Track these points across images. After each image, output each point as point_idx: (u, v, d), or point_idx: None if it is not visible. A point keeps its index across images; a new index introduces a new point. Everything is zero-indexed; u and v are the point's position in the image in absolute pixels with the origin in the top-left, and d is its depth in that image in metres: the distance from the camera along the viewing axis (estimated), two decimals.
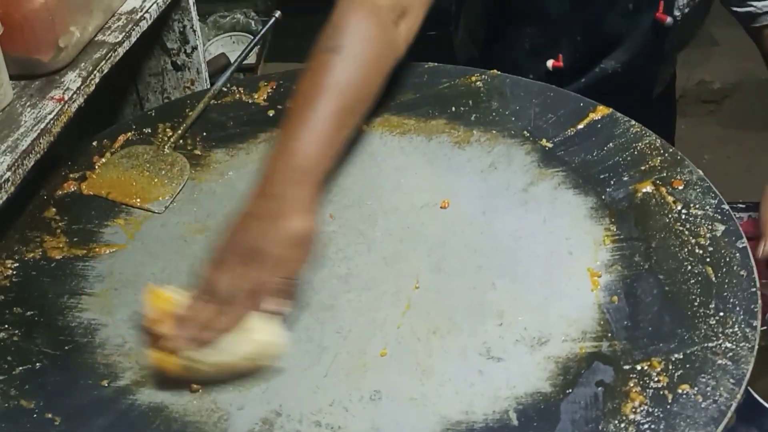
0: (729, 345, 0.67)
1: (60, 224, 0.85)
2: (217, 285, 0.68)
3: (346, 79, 0.78)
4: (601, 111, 0.93)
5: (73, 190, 0.89)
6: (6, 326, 0.74)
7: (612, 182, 0.85)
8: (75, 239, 0.83)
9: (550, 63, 1.08)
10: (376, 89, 0.82)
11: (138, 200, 0.87)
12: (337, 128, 0.77)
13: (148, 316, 0.69)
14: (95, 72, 0.84)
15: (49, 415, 0.66)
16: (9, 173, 0.70)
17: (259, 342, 0.68)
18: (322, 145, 0.75)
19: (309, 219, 0.72)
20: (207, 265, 0.71)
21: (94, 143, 0.95)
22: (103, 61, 0.85)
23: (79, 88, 0.81)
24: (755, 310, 0.70)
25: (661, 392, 0.65)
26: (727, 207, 0.80)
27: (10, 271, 0.79)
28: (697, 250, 0.76)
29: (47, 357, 0.71)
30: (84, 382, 0.69)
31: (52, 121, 0.77)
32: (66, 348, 0.72)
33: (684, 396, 0.64)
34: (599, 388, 0.66)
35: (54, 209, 0.87)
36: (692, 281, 0.73)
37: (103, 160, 0.92)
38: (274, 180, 0.73)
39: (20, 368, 0.70)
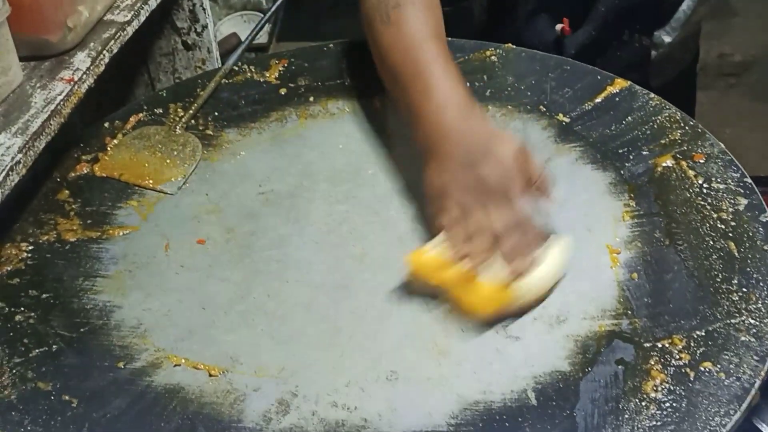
0: (752, 321, 0.66)
1: (73, 206, 0.85)
2: (494, 224, 0.70)
3: (433, 23, 0.83)
4: (619, 84, 0.91)
5: (85, 172, 0.89)
6: (22, 309, 0.74)
7: (631, 157, 0.83)
8: (89, 221, 0.83)
9: (558, 27, 1.06)
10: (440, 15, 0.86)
11: (150, 181, 0.87)
12: (453, 63, 0.81)
13: (434, 276, 0.70)
14: (105, 52, 0.83)
15: (66, 397, 0.66)
16: (20, 155, 0.70)
17: (560, 251, 0.71)
18: (457, 80, 0.79)
19: (504, 135, 0.75)
20: (449, 219, 0.72)
21: (106, 125, 0.94)
22: (113, 41, 0.85)
23: (88, 69, 0.81)
24: None
25: (683, 370, 0.63)
26: (749, 180, 0.78)
27: (25, 254, 0.79)
28: (719, 225, 0.74)
29: (63, 339, 0.71)
30: (100, 364, 0.69)
31: (62, 102, 0.76)
32: (82, 330, 0.72)
33: (706, 374, 0.63)
34: (619, 367, 0.65)
35: (67, 191, 0.86)
36: (714, 257, 0.72)
37: (115, 141, 0.92)
38: (450, 125, 0.75)
39: (37, 351, 0.70)
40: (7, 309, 0.74)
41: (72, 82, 0.79)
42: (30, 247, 0.80)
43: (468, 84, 0.81)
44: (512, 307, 0.69)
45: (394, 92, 0.84)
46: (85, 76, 0.80)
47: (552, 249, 0.71)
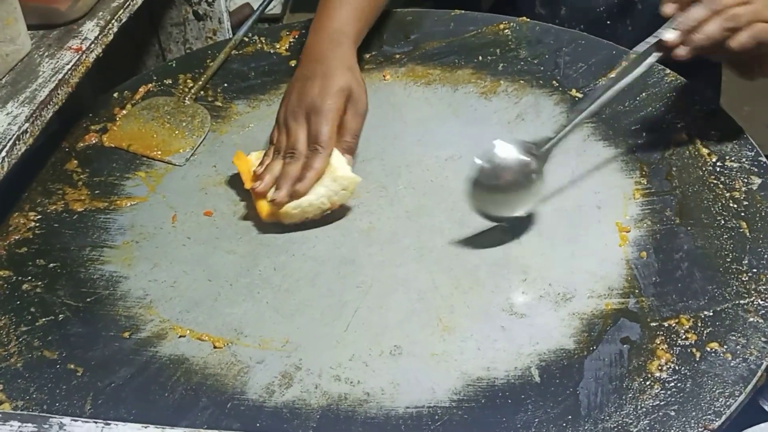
0: (761, 302, 0.65)
1: (82, 177, 0.85)
2: (294, 143, 0.78)
3: None
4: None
5: (94, 142, 0.89)
6: (29, 278, 0.74)
7: (644, 134, 0.82)
8: (96, 192, 0.83)
9: None
10: None
11: (159, 152, 0.87)
12: (365, 5, 0.88)
13: (244, 177, 0.79)
14: (113, 21, 0.83)
15: (72, 366, 0.67)
16: (27, 124, 0.70)
17: (342, 177, 0.76)
18: (354, 11, 0.86)
19: (351, 74, 0.81)
20: (276, 127, 0.81)
21: (115, 95, 0.94)
22: (122, 10, 0.84)
23: (97, 38, 0.80)
24: None
25: (689, 350, 0.63)
26: (764, 159, 0.77)
27: (33, 223, 0.80)
28: (731, 204, 0.73)
29: (70, 309, 0.72)
30: (106, 334, 0.69)
31: (70, 72, 0.76)
32: (88, 300, 0.72)
33: (713, 354, 0.62)
34: (625, 345, 0.64)
35: (75, 161, 0.86)
36: (725, 236, 0.71)
37: (124, 112, 0.92)
38: (317, 44, 0.84)
39: (43, 320, 0.71)
40: (14, 278, 0.74)
41: (80, 52, 0.78)
42: (38, 217, 0.80)
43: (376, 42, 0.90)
44: (289, 218, 0.76)
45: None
46: (93, 45, 0.80)
47: (337, 172, 0.77)
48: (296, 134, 0.78)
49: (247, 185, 0.79)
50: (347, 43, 0.84)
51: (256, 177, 0.78)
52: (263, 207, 0.76)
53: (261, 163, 0.79)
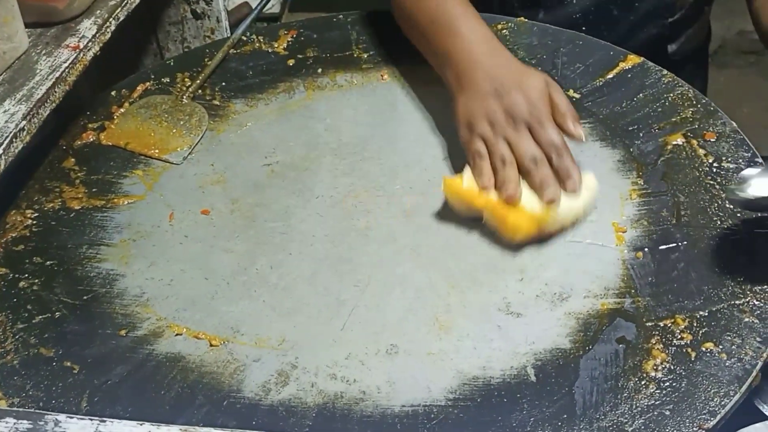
0: (757, 303, 0.65)
1: (79, 174, 0.85)
2: (526, 151, 0.73)
3: None
4: (632, 60, 0.90)
5: (91, 140, 0.89)
6: (26, 276, 0.74)
7: (641, 134, 0.82)
8: (94, 190, 0.83)
9: None
10: None
11: (156, 151, 0.87)
12: (475, 12, 0.84)
13: (475, 199, 0.73)
14: (111, 19, 0.82)
15: (68, 364, 0.67)
16: (24, 122, 0.70)
17: (590, 184, 0.73)
18: (481, 21, 0.83)
19: (534, 69, 0.78)
20: (480, 143, 0.75)
21: (113, 93, 0.94)
22: (119, 9, 0.84)
23: (94, 36, 0.80)
24: None
25: (685, 350, 0.63)
26: (760, 160, 0.77)
27: (30, 221, 0.80)
28: (727, 205, 0.73)
29: (66, 306, 0.72)
30: (102, 332, 0.69)
31: (67, 70, 0.76)
32: (85, 298, 0.72)
33: (708, 354, 0.62)
34: (620, 345, 0.64)
35: (73, 159, 0.87)
36: (721, 237, 0.71)
37: (122, 110, 0.92)
38: (479, 56, 0.79)
39: (40, 317, 0.71)
40: (11, 275, 0.74)
41: (78, 50, 0.78)
42: (35, 215, 0.80)
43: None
44: (550, 229, 0.72)
45: (423, 43, 0.87)
46: (91, 43, 0.80)
47: (584, 178, 0.73)
48: (525, 143, 0.73)
49: (479, 203, 0.73)
50: (502, 47, 0.81)
51: (489, 189, 0.72)
52: (522, 220, 0.70)
53: (481, 178, 0.73)
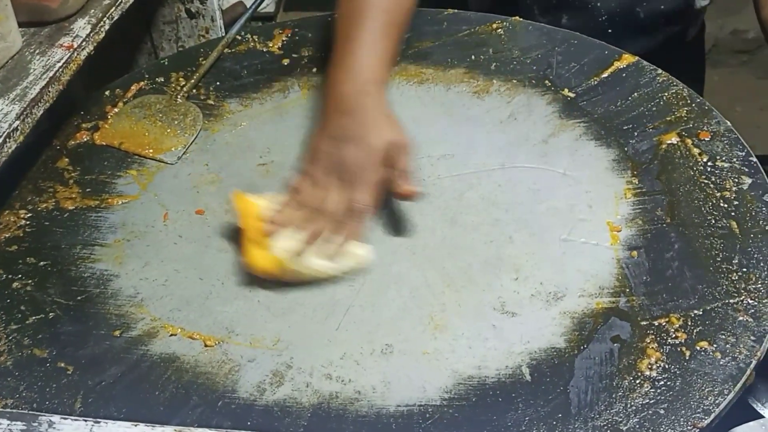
0: (751, 302, 0.65)
1: (73, 174, 0.84)
2: (325, 204, 0.73)
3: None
4: (627, 59, 0.90)
5: (85, 140, 0.89)
6: (19, 276, 0.74)
7: (635, 133, 0.82)
8: (88, 190, 0.83)
9: None
10: (412, 7, 0.85)
11: (150, 151, 0.87)
12: (388, 42, 0.80)
13: (243, 220, 0.72)
14: (105, 19, 0.82)
15: (62, 364, 0.67)
16: (18, 122, 0.70)
17: (358, 256, 0.72)
18: (379, 57, 0.78)
19: (387, 126, 0.75)
20: (303, 179, 0.75)
21: (107, 93, 0.94)
22: (113, 8, 0.84)
23: (88, 36, 0.80)
24: None
25: (679, 349, 0.63)
26: (755, 159, 0.77)
27: (24, 222, 0.79)
28: (721, 204, 0.74)
29: (60, 307, 0.71)
30: (96, 333, 0.69)
31: (61, 69, 0.75)
32: (79, 298, 0.72)
33: (702, 353, 0.62)
34: (615, 344, 0.64)
35: (67, 159, 0.86)
36: (715, 236, 0.71)
37: (116, 110, 0.91)
38: (345, 96, 0.76)
39: (33, 318, 0.70)
40: (4, 276, 0.74)
41: (71, 49, 0.78)
42: (28, 215, 0.80)
43: (392, 68, 0.81)
44: (283, 276, 0.71)
45: (333, 34, 0.84)
46: (84, 43, 0.79)
47: (352, 250, 0.72)
48: (330, 195, 0.73)
49: (244, 226, 0.73)
50: (378, 90, 0.77)
51: (272, 222, 0.72)
52: (260, 257, 0.70)
53: (279, 211, 0.73)
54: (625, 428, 0.59)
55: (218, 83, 0.94)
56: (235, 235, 0.75)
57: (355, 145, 0.74)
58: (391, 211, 0.77)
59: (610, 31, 1.00)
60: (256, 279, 0.72)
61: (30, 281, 0.74)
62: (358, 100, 0.75)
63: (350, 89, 0.76)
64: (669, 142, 0.80)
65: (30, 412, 0.61)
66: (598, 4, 1.01)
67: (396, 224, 0.76)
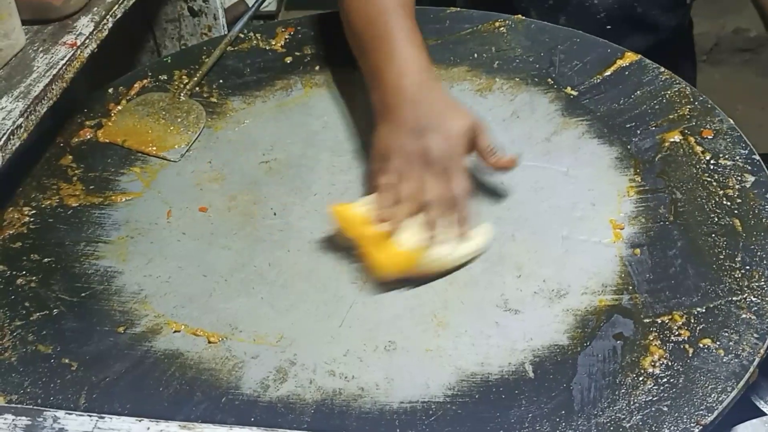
0: (754, 299, 0.66)
1: (76, 172, 0.85)
2: (426, 194, 0.71)
3: None
4: (629, 57, 0.90)
5: (89, 137, 0.89)
6: (24, 273, 0.74)
7: (638, 131, 0.82)
8: (91, 187, 0.83)
9: None
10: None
11: (154, 148, 0.87)
12: (419, 35, 0.80)
13: (352, 230, 0.71)
14: (108, 17, 0.82)
15: (66, 361, 0.67)
16: (21, 119, 0.70)
17: (479, 238, 0.71)
18: (420, 48, 0.78)
19: (460, 109, 0.75)
20: (387, 175, 0.73)
21: (110, 90, 0.94)
22: (117, 6, 0.84)
23: (92, 33, 0.80)
24: None
25: (682, 346, 0.63)
26: (758, 157, 0.77)
27: (27, 218, 0.80)
28: (724, 202, 0.74)
29: (64, 303, 0.72)
30: (100, 329, 0.69)
31: (64, 67, 0.76)
32: (83, 295, 0.72)
33: (705, 350, 0.63)
34: (618, 342, 0.64)
35: (70, 157, 0.86)
36: (718, 234, 0.71)
37: (119, 107, 0.91)
38: (408, 88, 0.75)
39: (38, 314, 0.71)
40: (8, 272, 0.74)
41: (75, 47, 0.78)
42: (32, 212, 0.80)
43: (430, 56, 0.79)
44: (415, 272, 0.70)
45: (359, 59, 0.84)
46: (88, 40, 0.80)
47: (473, 232, 0.72)
48: (429, 185, 0.72)
49: (357, 235, 0.71)
50: (436, 80, 0.78)
51: (385, 220, 0.70)
52: (389, 258, 0.69)
53: (384, 210, 0.71)
54: (628, 425, 0.59)
55: (221, 81, 0.94)
56: (240, 229, 0.76)
57: (437, 133, 0.73)
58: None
59: (608, 27, 1.00)
60: (257, 276, 0.72)
61: (34, 278, 0.74)
62: (423, 91, 0.75)
63: (411, 82, 0.75)
64: (672, 140, 0.80)
65: (34, 407, 0.61)
66: (596, 2, 1.01)
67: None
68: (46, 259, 0.76)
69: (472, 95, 0.89)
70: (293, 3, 2.04)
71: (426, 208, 0.71)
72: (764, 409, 0.72)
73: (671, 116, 0.83)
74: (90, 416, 0.53)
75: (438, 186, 0.72)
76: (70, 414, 0.54)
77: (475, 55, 0.93)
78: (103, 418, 0.53)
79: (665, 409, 0.59)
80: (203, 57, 0.97)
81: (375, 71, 0.79)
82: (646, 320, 0.66)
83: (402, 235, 0.70)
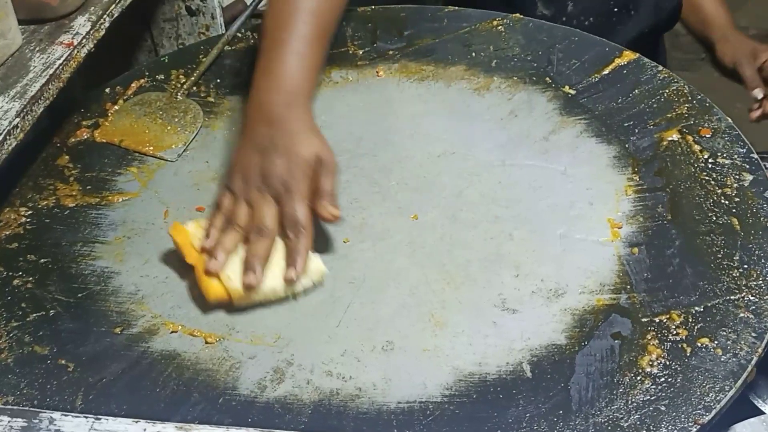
0: (752, 298, 0.65)
1: (73, 172, 0.84)
2: (260, 220, 0.70)
3: (318, 2, 0.79)
4: (627, 56, 0.90)
5: (85, 137, 0.89)
6: (20, 273, 0.74)
7: (636, 130, 0.82)
8: (88, 187, 0.83)
9: None
10: (341, 13, 0.84)
11: (151, 148, 0.86)
12: (317, 50, 0.78)
13: (185, 253, 0.70)
14: (105, 16, 0.82)
15: (63, 362, 0.67)
16: (18, 119, 0.70)
17: (312, 270, 0.69)
18: (308, 67, 0.77)
19: (315, 138, 0.73)
20: (228, 196, 0.73)
21: (107, 90, 0.94)
22: (114, 5, 0.83)
23: (88, 33, 0.80)
24: None
25: (680, 345, 0.63)
26: (756, 156, 0.77)
27: (24, 219, 0.79)
28: (722, 201, 0.73)
29: (61, 304, 0.71)
30: (97, 330, 0.69)
31: (61, 67, 0.75)
32: (79, 296, 0.72)
33: (703, 349, 0.62)
34: (616, 341, 0.64)
35: (67, 157, 0.86)
36: (716, 233, 0.71)
37: (116, 107, 0.91)
38: (272, 105, 0.74)
39: (34, 315, 0.70)
40: (5, 273, 0.74)
41: (71, 47, 0.78)
42: (29, 212, 0.80)
43: (319, 76, 0.79)
44: (248, 302, 0.69)
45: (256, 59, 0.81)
46: (84, 40, 0.79)
47: (312, 263, 0.70)
48: (263, 210, 0.70)
49: (190, 259, 0.70)
50: (304, 102, 0.75)
51: (206, 252, 0.69)
52: (213, 287, 0.68)
53: (207, 235, 0.70)
54: (626, 425, 0.58)
55: (218, 80, 0.94)
56: None
57: (284, 155, 0.71)
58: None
59: (615, 9, 1.00)
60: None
61: (30, 278, 0.74)
62: (285, 111, 0.73)
63: (277, 99, 0.74)
64: (670, 138, 0.80)
65: (31, 409, 0.61)
66: None
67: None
68: (42, 260, 0.75)
69: (470, 94, 0.89)
70: None
71: (253, 237, 0.69)
72: (762, 408, 0.72)
73: (669, 115, 0.83)
74: (86, 417, 0.53)
75: (272, 212, 0.70)
76: (66, 415, 0.53)
77: (473, 53, 0.93)
78: (99, 419, 0.53)
79: (663, 408, 0.59)
80: (201, 56, 0.96)
81: (253, 80, 0.77)
82: (644, 319, 0.65)
83: (228, 268, 0.69)
